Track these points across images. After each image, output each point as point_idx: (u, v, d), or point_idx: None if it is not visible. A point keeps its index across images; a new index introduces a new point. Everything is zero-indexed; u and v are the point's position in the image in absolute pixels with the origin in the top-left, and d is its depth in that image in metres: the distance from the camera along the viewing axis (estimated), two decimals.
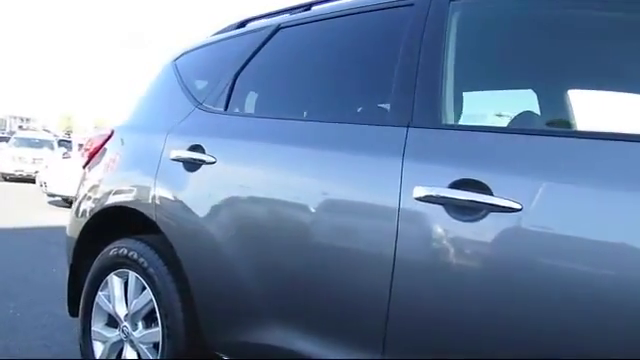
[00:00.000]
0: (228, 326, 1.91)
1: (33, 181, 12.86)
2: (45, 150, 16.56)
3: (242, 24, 2.51)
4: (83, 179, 2.66)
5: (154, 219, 2.14)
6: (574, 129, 1.77)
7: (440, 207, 1.43)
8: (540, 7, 1.70)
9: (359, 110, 2.06)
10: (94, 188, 2.50)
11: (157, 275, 2.08)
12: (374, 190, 1.61)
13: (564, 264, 1.29)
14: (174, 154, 2.13)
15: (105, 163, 2.54)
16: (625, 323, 1.20)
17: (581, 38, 1.69)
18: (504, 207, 1.34)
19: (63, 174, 10.17)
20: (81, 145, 22.20)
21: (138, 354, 2.15)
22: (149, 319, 2.15)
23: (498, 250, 1.36)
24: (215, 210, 1.94)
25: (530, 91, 2.18)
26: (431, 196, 1.44)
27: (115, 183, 2.41)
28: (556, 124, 2.00)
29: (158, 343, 2.07)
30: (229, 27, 2.57)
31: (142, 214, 2.20)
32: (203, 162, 2.02)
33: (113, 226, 2.44)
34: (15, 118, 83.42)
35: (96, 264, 2.35)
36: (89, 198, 2.50)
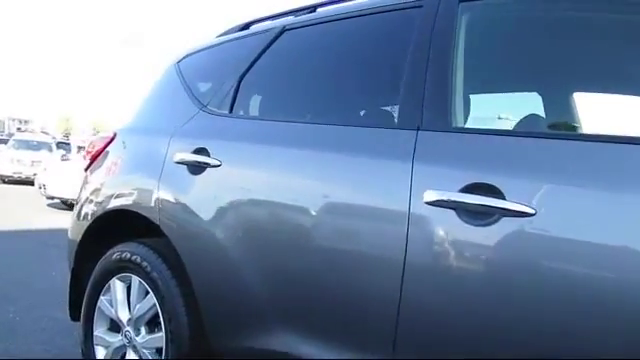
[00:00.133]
0: (234, 331, 1.89)
1: (32, 183, 12.83)
2: (44, 152, 16.54)
3: (246, 26, 2.49)
4: (85, 182, 2.64)
5: (157, 222, 2.11)
6: (588, 133, 1.75)
7: (451, 211, 1.41)
8: (550, 9, 1.69)
9: (367, 113, 2.04)
10: (96, 191, 2.48)
11: (161, 279, 2.06)
12: (384, 194, 1.59)
13: (579, 270, 1.27)
14: (178, 157, 2.11)
15: (107, 166, 2.52)
16: None
17: (590, 39, 1.68)
18: (517, 212, 1.32)
19: (62, 176, 10.14)
20: (80, 147, 22.24)
21: (141, 359, 2.13)
22: (152, 324, 2.12)
23: (511, 255, 1.34)
24: (220, 213, 1.92)
25: (534, 94, 2.17)
26: (442, 200, 1.42)
27: (117, 186, 2.39)
28: (562, 127, 1.99)
29: (161, 348, 2.04)
30: (233, 29, 2.56)
31: (145, 217, 2.18)
32: (208, 165, 2.00)
33: (115, 229, 2.41)
34: (13, 120, 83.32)
35: (98, 268, 2.33)
36: (91, 201, 2.48)
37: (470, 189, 1.40)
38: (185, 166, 2.07)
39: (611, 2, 1.60)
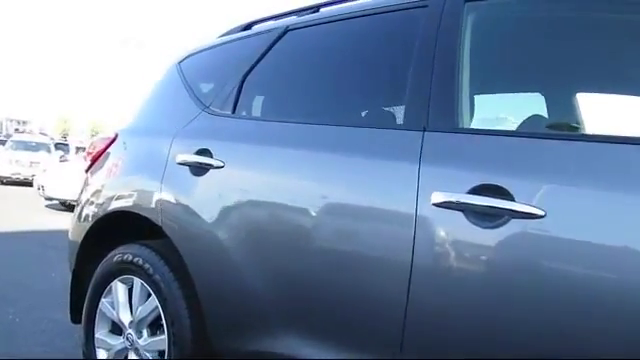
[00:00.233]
0: (238, 333, 1.87)
1: (30, 184, 12.82)
2: (42, 153, 16.52)
3: (248, 26, 2.48)
4: (86, 183, 2.62)
5: (160, 224, 2.10)
6: (598, 134, 1.74)
7: (459, 213, 1.40)
8: (556, 9, 1.67)
9: (373, 114, 2.02)
10: (97, 192, 2.46)
11: (163, 281, 2.04)
12: (391, 196, 1.57)
13: (591, 273, 1.25)
14: (180, 158, 2.09)
15: (108, 167, 2.50)
16: None
17: (596, 39, 1.66)
18: (526, 213, 1.30)
19: (61, 177, 10.14)
20: (79, 148, 22.19)
21: None
22: (154, 326, 2.10)
23: (520, 258, 1.33)
24: (224, 215, 1.90)
25: (535, 94, 2.15)
26: (450, 202, 1.41)
27: (119, 187, 2.37)
28: (566, 127, 1.97)
29: (164, 351, 2.03)
30: (235, 29, 2.54)
31: (147, 219, 2.17)
32: (211, 166, 1.98)
33: (117, 231, 2.39)
34: (12, 121, 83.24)
35: (99, 270, 2.31)
36: (92, 202, 2.47)
37: (478, 190, 1.38)
38: (187, 167, 2.05)
39: (617, 2, 1.59)
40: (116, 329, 2.25)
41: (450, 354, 1.43)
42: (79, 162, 11.04)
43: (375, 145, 1.68)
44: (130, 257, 2.17)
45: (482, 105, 2.17)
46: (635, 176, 1.26)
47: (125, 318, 2.17)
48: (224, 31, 2.64)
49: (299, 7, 2.32)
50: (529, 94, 2.23)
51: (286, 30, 2.16)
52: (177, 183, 2.08)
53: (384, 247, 1.55)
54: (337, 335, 1.65)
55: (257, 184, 1.90)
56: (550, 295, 1.28)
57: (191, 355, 1.96)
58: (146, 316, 2.10)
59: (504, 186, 1.35)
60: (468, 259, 1.40)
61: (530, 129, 1.70)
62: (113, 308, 2.23)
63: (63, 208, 10.36)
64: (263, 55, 2.17)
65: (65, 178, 9.93)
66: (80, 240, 2.46)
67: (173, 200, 2.07)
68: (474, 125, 1.72)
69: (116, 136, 2.57)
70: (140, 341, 2.11)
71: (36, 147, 17.19)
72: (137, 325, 2.13)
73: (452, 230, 1.42)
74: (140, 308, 2.12)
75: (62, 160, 14.70)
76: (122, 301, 2.20)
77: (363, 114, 2.05)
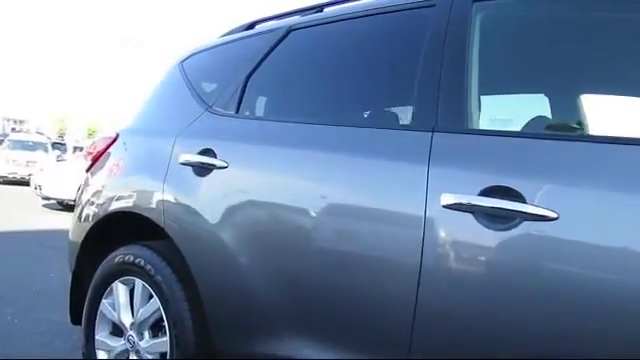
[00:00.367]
0: (242, 335, 1.85)
1: (27, 184, 12.73)
2: (39, 153, 16.46)
3: (251, 26, 2.46)
4: (86, 184, 2.60)
5: (162, 225, 2.07)
6: (611, 135, 1.73)
7: (469, 215, 1.38)
8: (566, 9, 1.66)
9: (379, 114, 2.01)
10: (98, 193, 2.44)
11: (165, 283, 2.02)
12: (399, 197, 1.55)
13: (604, 276, 1.24)
14: (183, 158, 2.07)
15: (109, 167, 2.48)
16: None
17: (606, 39, 1.65)
18: (539, 215, 1.29)
19: (58, 177, 10.09)
20: (76, 148, 22.12)
21: None
22: (156, 328, 2.08)
23: (532, 261, 1.31)
24: (228, 216, 1.88)
25: (537, 95, 2.14)
26: (460, 204, 1.39)
27: (120, 188, 2.35)
28: (570, 129, 1.96)
29: (165, 353, 2.01)
30: (237, 29, 2.52)
31: (148, 219, 2.14)
32: (214, 167, 1.96)
33: (117, 232, 2.37)
34: (8, 120, 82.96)
35: (100, 271, 2.29)
36: (92, 203, 2.44)
37: (489, 192, 1.37)
38: (191, 167, 2.03)
39: (628, 2, 1.57)
40: (117, 331, 2.22)
41: (459, 356, 1.42)
42: (76, 162, 11.00)
43: (383, 146, 1.66)
44: (131, 258, 2.15)
45: (485, 106, 2.16)
46: None
47: (126, 320, 2.15)
48: (225, 31, 2.62)
49: (302, 7, 2.30)
50: (531, 95, 2.23)
51: (290, 30, 2.14)
52: (180, 183, 2.05)
53: (393, 248, 1.53)
54: (345, 336, 1.63)
55: (262, 185, 1.88)
56: (563, 298, 1.26)
57: (193, 357, 1.94)
58: (147, 318, 2.07)
59: (515, 188, 1.34)
60: (478, 261, 1.39)
61: (535, 130, 1.68)
62: (114, 309, 2.20)
63: (60, 208, 10.32)
64: (267, 55, 2.15)
65: (62, 178, 9.89)
66: (80, 241, 2.43)
67: (176, 201, 2.05)
68: (483, 126, 1.71)
69: (117, 136, 2.55)
70: (141, 343, 2.09)
71: (33, 146, 17.14)
72: (138, 327, 2.10)
73: (462, 232, 1.40)
74: (141, 310, 2.09)
75: (59, 160, 14.64)
76: (123, 302, 2.18)
77: (370, 115, 2.03)
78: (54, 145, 19.65)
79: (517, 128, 1.84)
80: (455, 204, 1.40)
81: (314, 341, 1.67)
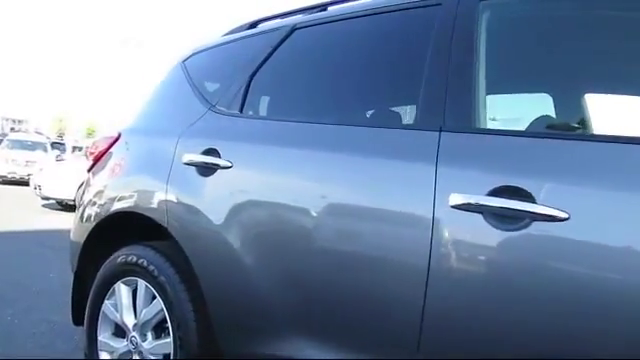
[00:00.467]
0: (247, 336, 1.83)
1: (26, 184, 12.71)
2: (38, 152, 16.42)
3: (253, 25, 2.44)
4: (88, 184, 2.58)
5: (166, 225, 2.06)
6: (621, 135, 1.72)
7: (478, 215, 1.36)
8: (571, 7, 1.65)
9: (386, 114, 1.99)
10: (100, 193, 2.42)
11: (168, 283, 2.00)
12: (407, 197, 1.53)
13: (615, 277, 1.22)
14: (187, 158, 2.05)
15: (111, 167, 2.46)
16: None
17: (620, 39, 1.64)
18: (549, 216, 1.27)
19: (58, 177, 10.06)
20: (75, 148, 22.08)
21: None
22: (159, 329, 2.06)
23: (542, 262, 1.30)
24: (232, 216, 1.86)
25: (538, 95, 2.13)
26: (469, 204, 1.38)
27: (122, 188, 2.33)
28: (575, 128, 1.94)
29: (169, 354, 1.99)
30: (240, 28, 2.50)
31: (151, 220, 2.13)
32: (218, 166, 1.94)
33: (120, 232, 2.35)
34: (7, 120, 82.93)
35: (102, 271, 2.27)
36: (94, 203, 2.42)
37: (498, 192, 1.35)
38: (194, 167, 2.02)
39: (633, 1, 1.56)
40: (119, 332, 2.21)
41: (468, 356, 1.40)
42: (76, 161, 10.99)
43: (391, 145, 1.64)
44: (134, 258, 2.13)
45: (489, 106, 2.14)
46: None
47: (129, 321, 2.13)
48: (226, 30, 2.61)
49: (305, 6, 2.29)
50: (528, 95, 2.21)
51: (294, 29, 2.12)
52: (184, 183, 2.04)
53: (401, 249, 1.52)
54: (353, 337, 1.61)
55: (268, 185, 1.86)
56: (573, 299, 1.25)
57: (197, 358, 1.92)
58: (151, 319, 2.06)
59: (525, 187, 1.32)
60: (487, 262, 1.37)
61: (539, 129, 1.67)
62: (116, 310, 2.19)
63: (60, 207, 10.30)
64: (271, 54, 2.13)
65: (62, 177, 9.87)
66: (82, 241, 2.42)
67: (179, 201, 2.03)
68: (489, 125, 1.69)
69: (119, 136, 2.53)
70: (144, 344, 2.07)
71: (32, 146, 17.10)
72: (141, 328, 2.09)
73: (471, 232, 1.39)
74: (144, 310, 2.08)
75: (58, 159, 14.61)
76: (126, 303, 2.16)
77: (377, 114, 2.01)
78: (53, 145, 19.61)
79: (521, 128, 1.83)
80: (464, 204, 1.39)
81: (321, 341, 1.65)
